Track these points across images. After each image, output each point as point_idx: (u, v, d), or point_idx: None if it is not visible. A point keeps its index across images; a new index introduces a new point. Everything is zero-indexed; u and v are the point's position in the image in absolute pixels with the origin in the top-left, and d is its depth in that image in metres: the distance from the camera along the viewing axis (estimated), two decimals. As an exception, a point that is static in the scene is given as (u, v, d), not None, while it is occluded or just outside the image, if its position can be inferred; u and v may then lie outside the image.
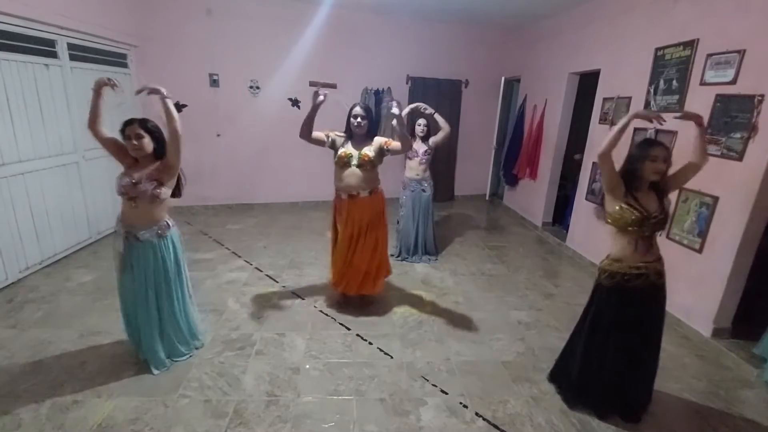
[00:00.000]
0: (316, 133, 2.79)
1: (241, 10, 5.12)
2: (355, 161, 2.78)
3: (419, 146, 3.95)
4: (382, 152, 2.83)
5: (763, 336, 2.57)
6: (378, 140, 2.84)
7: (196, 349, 2.50)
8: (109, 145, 2.16)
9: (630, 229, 1.89)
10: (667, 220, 1.96)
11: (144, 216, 2.13)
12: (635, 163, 1.91)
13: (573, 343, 2.20)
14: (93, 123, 2.12)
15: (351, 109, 2.81)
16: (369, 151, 2.79)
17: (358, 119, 2.76)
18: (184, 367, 2.36)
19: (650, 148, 1.87)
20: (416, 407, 2.15)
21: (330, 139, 2.84)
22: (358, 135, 2.82)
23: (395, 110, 2.62)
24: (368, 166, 2.79)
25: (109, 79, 2.07)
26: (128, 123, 2.08)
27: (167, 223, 2.24)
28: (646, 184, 1.93)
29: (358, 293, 3.06)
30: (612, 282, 1.97)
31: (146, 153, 2.10)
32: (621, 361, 2.01)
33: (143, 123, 2.10)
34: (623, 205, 1.89)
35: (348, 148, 2.80)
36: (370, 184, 2.86)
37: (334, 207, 2.98)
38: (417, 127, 3.97)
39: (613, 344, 1.99)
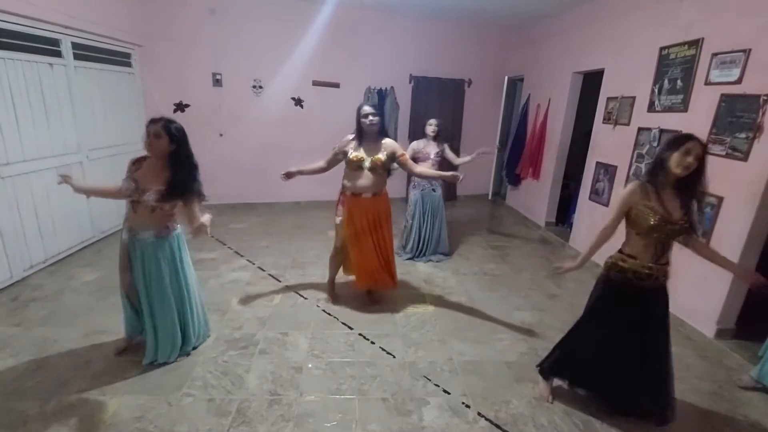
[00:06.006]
0: (320, 164, 2.91)
1: (245, 10, 5.13)
2: (367, 164, 2.78)
3: (431, 148, 3.93)
4: (393, 159, 2.83)
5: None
6: (391, 145, 2.84)
7: (194, 349, 2.49)
8: (117, 192, 2.17)
9: (650, 232, 1.83)
10: (691, 229, 1.83)
11: (146, 218, 2.13)
12: (664, 152, 1.80)
13: (577, 337, 2.15)
14: (111, 197, 2.28)
15: (359, 108, 2.79)
16: (381, 155, 2.79)
17: (369, 117, 2.74)
18: (188, 365, 2.37)
19: (686, 141, 1.75)
20: (418, 407, 2.15)
21: (340, 152, 2.84)
22: (369, 135, 2.80)
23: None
24: (380, 169, 2.80)
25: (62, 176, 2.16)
26: (154, 120, 2.07)
27: (169, 225, 2.23)
28: (670, 179, 1.80)
29: (376, 288, 3.12)
30: (621, 277, 1.93)
31: (157, 153, 2.08)
32: (627, 360, 1.98)
33: (168, 123, 2.07)
34: (643, 208, 1.82)
35: (360, 152, 2.79)
36: (378, 187, 2.86)
37: (339, 202, 2.97)
38: (428, 127, 3.94)
39: (618, 342, 1.97)
